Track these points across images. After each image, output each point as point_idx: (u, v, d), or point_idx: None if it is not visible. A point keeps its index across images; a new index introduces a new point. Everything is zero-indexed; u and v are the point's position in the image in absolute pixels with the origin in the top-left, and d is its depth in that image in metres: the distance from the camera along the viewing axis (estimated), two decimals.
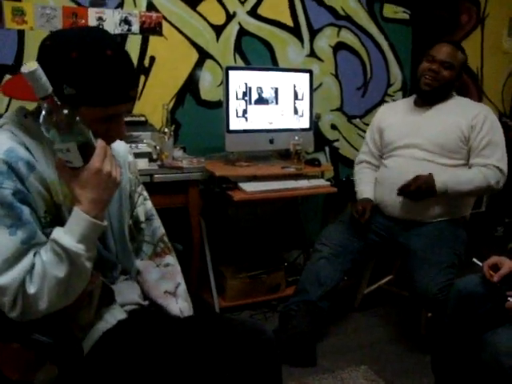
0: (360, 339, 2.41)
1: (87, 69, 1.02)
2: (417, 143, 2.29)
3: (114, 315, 1.24)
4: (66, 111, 0.96)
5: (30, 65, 0.92)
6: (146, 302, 1.37)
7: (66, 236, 1.02)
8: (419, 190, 2.16)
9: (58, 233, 1.03)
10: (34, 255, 1.04)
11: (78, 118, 0.98)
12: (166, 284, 1.40)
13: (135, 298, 1.34)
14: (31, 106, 1.15)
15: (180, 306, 1.38)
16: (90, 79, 1.02)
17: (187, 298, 1.42)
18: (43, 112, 0.96)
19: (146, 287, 1.39)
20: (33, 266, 1.02)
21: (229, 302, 2.61)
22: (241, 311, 2.63)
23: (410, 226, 2.28)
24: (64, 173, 1.03)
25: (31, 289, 1.01)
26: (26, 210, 1.03)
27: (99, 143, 1.04)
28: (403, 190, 2.20)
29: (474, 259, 1.73)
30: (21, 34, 2.44)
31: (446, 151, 2.24)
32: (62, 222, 1.09)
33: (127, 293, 1.32)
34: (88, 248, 1.04)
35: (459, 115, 2.27)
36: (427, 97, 2.34)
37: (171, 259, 1.45)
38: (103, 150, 1.04)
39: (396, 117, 2.44)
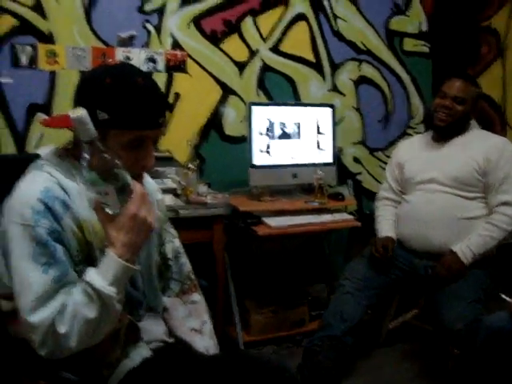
0: (385, 376, 2.37)
1: (120, 94, 1.07)
2: (435, 178, 2.29)
3: (140, 353, 1.25)
4: (107, 156, 1.00)
5: (78, 110, 0.98)
6: (172, 339, 1.38)
7: (99, 278, 1.04)
8: (451, 272, 2.15)
9: (90, 274, 1.05)
10: (66, 294, 1.06)
11: (117, 162, 1.02)
12: (193, 321, 1.41)
13: (161, 335, 1.35)
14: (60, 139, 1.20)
15: (205, 343, 1.38)
16: (122, 104, 1.07)
17: (213, 336, 1.42)
18: (86, 155, 1.00)
19: (172, 324, 1.40)
20: (64, 306, 1.04)
21: (253, 336, 2.59)
22: (265, 346, 2.61)
23: (434, 260, 2.26)
24: (100, 214, 1.06)
25: (61, 328, 1.03)
26: (59, 249, 1.07)
27: (137, 188, 1.07)
28: (437, 280, 2.18)
29: (502, 295, 1.70)
30: (52, 74, 2.53)
31: (464, 185, 2.24)
32: (92, 260, 1.12)
33: (153, 330, 1.33)
34: (119, 290, 1.06)
35: (476, 148, 2.26)
36: (442, 132, 2.35)
37: (198, 297, 1.46)
38: (140, 195, 1.07)
39: (414, 152, 2.44)
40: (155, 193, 1.40)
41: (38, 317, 1.02)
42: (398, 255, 2.34)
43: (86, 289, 1.04)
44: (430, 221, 2.26)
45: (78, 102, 1.12)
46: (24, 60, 2.48)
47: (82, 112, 0.98)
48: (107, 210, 1.05)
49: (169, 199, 2.15)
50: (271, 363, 1.28)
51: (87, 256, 1.13)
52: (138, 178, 1.14)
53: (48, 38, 2.51)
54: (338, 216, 2.57)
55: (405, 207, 2.40)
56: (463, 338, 1.97)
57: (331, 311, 2.28)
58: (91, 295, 1.03)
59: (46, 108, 2.54)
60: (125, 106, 1.07)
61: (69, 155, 1.17)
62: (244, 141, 2.73)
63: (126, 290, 1.20)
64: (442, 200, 2.26)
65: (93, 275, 1.05)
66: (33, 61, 2.50)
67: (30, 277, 1.04)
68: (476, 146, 2.27)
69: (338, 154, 2.95)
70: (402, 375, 2.37)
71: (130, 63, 1.22)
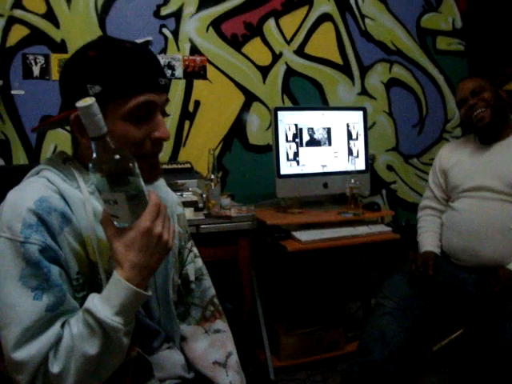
0: None
1: (108, 60, 0.93)
2: (487, 185, 2.06)
3: None
4: (118, 156, 0.84)
5: (87, 99, 0.82)
6: (191, 375, 1.18)
7: (102, 306, 0.86)
8: (508, 289, 1.91)
9: (92, 301, 0.87)
10: (62, 326, 0.88)
11: (131, 165, 0.85)
12: (216, 353, 1.20)
13: (178, 370, 1.15)
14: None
15: (231, 379, 1.17)
16: (114, 69, 0.92)
17: (239, 370, 1.21)
18: (94, 155, 0.84)
19: (192, 356, 1.20)
20: (59, 340, 0.86)
21: (284, 361, 2.39)
22: (297, 371, 2.40)
23: (484, 275, 2.03)
24: (108, 228, 0.88)
25: (55, 367, 0.85)
26: (54, 271, 0.89)
27: (152, 199, 0.89)
28: (491, 297, 1.96)
29: None
30: None
31: None
32: (96, 285, 0.94)
33: (168, 365, 1.13)
34: (127, 321, 0.87)
35: None
36: (488, 132, 2.12)
37: (222, 324, 1.26)
38: (156, 208, 0.89)
39: (461, 157, 2.22)
40: (176, 206, 1.22)
41: (26, 353, 0.84)
42: (442, 270, 2.12)
43: (87, 319, 0.86)
44: (479, 231, 2.03)
45: (63, 86, 0.98)
46: (36, 71, 2.37)
47: (91, 101, 0.82)
48: (115, 222, 0.87)
49: (189, 213, 1.98)
50: None
51: (90, 280, 0.95)
52: (155, 157, 0.99)
53: (61, 47, 2.40)
54: (374, 228, 2.36)
55: (451, 216, 2.17)
56: None
57: (370, 334, 2.06)
58: (92, 327, 0.85)
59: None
60: (117, 71, 0.92)
61: (75, 160, 1.01)
62: (269, 150, 2.57)
63: (139, 320, 1.02)
64: (493, 209, 2.03)
65: (95, 302, 0.87)
66: (45, 71, 2.39)
67: (18, 304, 0.86)
68: None
69: (370, 161, 2.75)
70: None
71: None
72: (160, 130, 0.98)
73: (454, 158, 2.24)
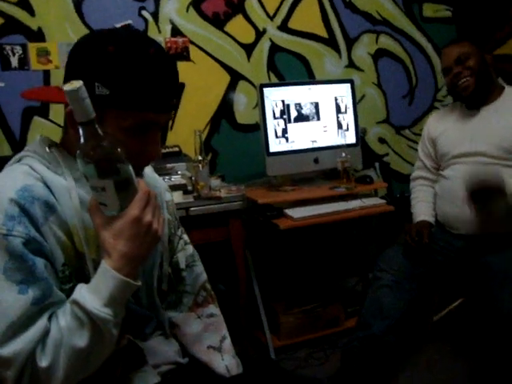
0: (434, 375, 2.12)
1: (125, 66, 0.86)
2: (478, 150, 2.03)
3: (145, 380, 1.03)
4: (106, 143, 0.81)
5: (74, 83, 0.78)
6: (186, 360, 1.16)
7: (91, 297, 0.83)
8: (486, 184, 1.83)
9: (80, 292, 0.84)
10: (49, 318, 0.85)
11: (119, 151, 0.82)
12: (210, 338, 1.19)
13: (172, 355, 1.13)
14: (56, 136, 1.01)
15: (226, 363, 1.16)
16: (128, 78, 0.86)
17: (234, 353, 1.19)
18: (81, 140, 0.80)
19: (186, 342, 1.18)
20: (46, 333, 0.84)
21: (284, 340, 2.38)
22: (298, 350, 2.39)
23: (481, 242, 2.00)
24: (96, 217, 0.85)
25: (43, 361, 0.82)
26: (39, 263, 0.85)
27: (142, 186, 0.86)
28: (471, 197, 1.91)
29: None
30: (46, 74, 2.36)
31: (510, 153, 1.97)
32: (84, 276, 0.91)
33: (162, 351, 1.11)
34: (116, 312, 0.85)
35: None
36: (474, 99, 2.09)
37: (215, 309, 1.24)
38: (145, 196, 0.86)
39: (448, 124, 2.19)
40: (164, 193, 1.19)
41: (13, 348, 0.81)
42: (437, 239, 2.10)
43: (75, 311, 0.83)
44: None
45: (70, 72, 0.90)
46: (14, 61, 2.32)
47: (78, 84, 0.77)
48: (103, 210, 0.84)
49: (178, 196, 1.94)
50: (304, 379, 1.05)
51: (77, 271, 0.92)
52: (141, 170, 0.97)
53: (38, 36, 2.34)
54: (368, 201, 2.33)
55: (443, 185, 2.15)
56: None
57: (369, 308, 2.06)
58: (81, 319, 0.83)
59: (43, 111, 2.36)
60: (131, 81, 0.86)
61: (60, 146, 0.97)
62: (258, 128, 2.52)
63: (130, 307, 0.99)
64: None
65: (83, 293, 0.84)
66: (24, 62, 2.33)
67: (2, 298, 0.83)
68: None
69: (361, 135, 2.70)
70: (454, 374, 2.11)
71: (139, 30, 0.97)
72: (154, 147, 0.94)
73: (442, 126, 2.21)
